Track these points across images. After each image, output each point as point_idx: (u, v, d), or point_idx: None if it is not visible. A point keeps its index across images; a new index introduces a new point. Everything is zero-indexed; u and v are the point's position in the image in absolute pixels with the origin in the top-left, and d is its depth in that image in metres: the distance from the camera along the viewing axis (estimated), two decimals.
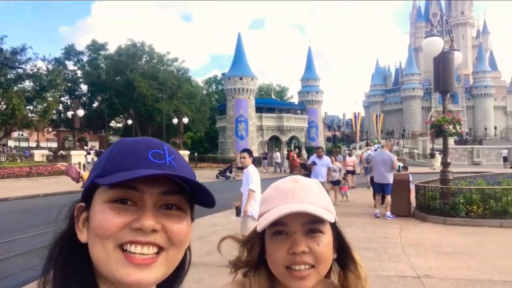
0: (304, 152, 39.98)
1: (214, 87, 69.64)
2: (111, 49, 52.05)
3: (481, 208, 9.83)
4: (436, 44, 8.94)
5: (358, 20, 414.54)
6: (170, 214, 0.66)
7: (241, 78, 41.73)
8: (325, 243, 0.91)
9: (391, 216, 10.17)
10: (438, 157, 27.81)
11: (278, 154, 34.62)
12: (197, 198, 0.69)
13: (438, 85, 9.87)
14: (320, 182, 9.53)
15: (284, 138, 44.77)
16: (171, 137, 38.38)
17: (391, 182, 10.18)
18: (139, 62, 51.22)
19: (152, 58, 52.25)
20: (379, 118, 69.31)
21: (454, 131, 9.58)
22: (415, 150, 49.73)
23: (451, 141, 46.59)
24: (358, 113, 68.92)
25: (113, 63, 48.88)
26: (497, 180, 13.35)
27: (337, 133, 47.40)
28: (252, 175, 6.15)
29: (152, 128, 51.14)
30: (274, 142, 46.48)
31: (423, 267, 6.09)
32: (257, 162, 31.38)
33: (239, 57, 42.73)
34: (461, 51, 10.43)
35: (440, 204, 10.33)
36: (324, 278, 0.95)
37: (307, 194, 0.92)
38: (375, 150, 32.27)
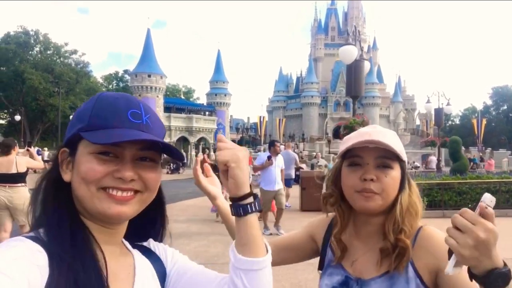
0: (212, 153, 40.04)
1: (115, 84, 65.99)
2: None
3: None
4: (351, 52, 9.78)
5: (265, 27, 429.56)
6: (145, 165, 0.79)
7: (149, 76, 40.21)
8: (392, 176, 1.07)
9: (288, 205, 11.13)
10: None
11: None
12: (168, 153, 0.82)
13: (350, 90, 10.79)
14: (276, 191, 8.67)
15: (193, 139, 44.29)
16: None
17: (293, 177, 12.00)
18: (31, 52, 46.02)
19: (47, 48, 47.29)
20: (281, 123, 72.61)
21: None
22: (313, 153, 53.23)
23: None
24: (263, 117, 71.26)
25: None
26: None
27: (244, 136, 48.37)
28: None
29: (43, 125, 46.45)
30: (182, 143, 45.73)
31: None
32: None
33: (147, 54, 41.11)
34: None
35: None
36: (389, 211, 1.09)
37: (383, 136, 1.07)
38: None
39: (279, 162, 8.41)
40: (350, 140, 1.10)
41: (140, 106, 0.80)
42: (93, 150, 0.75)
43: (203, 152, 32.95)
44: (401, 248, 1.04)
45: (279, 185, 8.25)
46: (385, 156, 1.06)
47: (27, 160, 6.07)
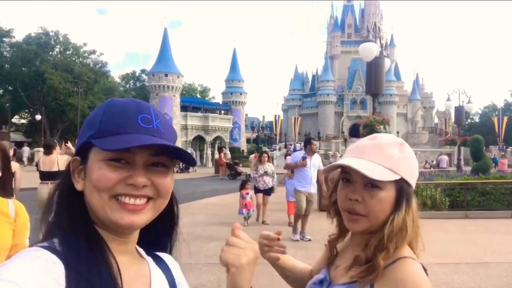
0: (228, 152, 40.16)
1: (132, 83, 66.78)
2: (19, 37, 46.91)
3: None
4: (371, 49, 9.62)
5: (281, 25, 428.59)
6: (158, 171, 0.77)
7: (166, 75, 40.51)
8: (379, 197, 0.99)
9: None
10: None
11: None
12: (180, 158, 0.81)
13: (370, 88, 10.62)
14: (310, 194, 8.27)
15: (209, 138, 44.49)
16: None
17: None
18: (51, 53, 46.77)
19: (66, 49, 48.02)
20: (297, 121, 72.37)
21: (384, 131, 10.41)
22: (329, 152, 52.96)
23: None
24: (278, 116, 71.20)
25: (20, 52, 43.89)
26: None
27: (260, 134, 48.35)
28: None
29: (63, 124, 47.22)
30: (198, 141, 45.99)
31: None
32: None
33: (164, 53, 41.43)
34: None
35: None
36: (381, 230, 1.00)
37: (373, 153, 1.01)
38: (294, 150, 34.37)
39: (315, 161, 7.84)
40: (346, 154, 1.08)
41: (150, 111, 0.79)
42: (104, 157, 0.74)
43: (220, 151, 33.08)
44: (372, 266, 0.97)
45: (314, 188, 7.91)
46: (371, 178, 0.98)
47: (67, 158, 6.57)
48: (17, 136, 51.04)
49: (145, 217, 0.77)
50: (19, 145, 38.04)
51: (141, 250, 0.88)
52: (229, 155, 36.52)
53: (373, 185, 0.99)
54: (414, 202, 1.04)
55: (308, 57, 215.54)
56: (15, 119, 52.71)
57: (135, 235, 0.84)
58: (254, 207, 9.50)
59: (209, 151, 44.42)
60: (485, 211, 10.61)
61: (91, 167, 0.76)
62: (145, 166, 0.76)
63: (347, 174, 1.03)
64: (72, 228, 0.74)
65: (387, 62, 10.55)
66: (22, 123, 53.92)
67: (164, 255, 0.93)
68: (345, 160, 1.02)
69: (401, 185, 1.01)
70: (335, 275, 1.11)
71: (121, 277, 0.75)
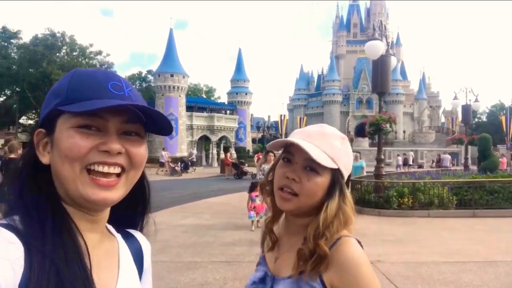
0: (233, 152, 40.14)
1: (138, 84, 67.03)
2: (26, 38, 47.28)
3: (411, 200, 10.78)
4: (377, 47, 9.55)
5: (286, 25, 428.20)
6: (131, 139, 0.73)
7: (172, 75, 40.54)
8: (315, 181, 1.03)
9: None
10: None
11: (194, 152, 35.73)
12: (152, 127, 0.75)
13: (376, 87, 10.55)
14: None
15: (214, 138, 44.48)
16: None
17: None
18: (58, 54, 47.11)
19: (73, 50, 48.31)
20: (302, 121, 72.14)
21: (391, 129, 10.35)
22: None
23: (366, 143, 50.09)
24: (284, 116, 71.05)
25: (27, 53, 44.22)
26: (416, 176, 14.71)
27: (266, 134, 48.30)
28: None
29: None
30: (204, 141, 46.01)
31: (373, 254, 6.33)
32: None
33: (170, 54, 41.45)
34: None
35: (375, 197, 11.11)
36: (315, 215, 1.04)
37: (318, 139, 1.05)
38: None
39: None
40: (291, 136, 1.10)
41: (121, 79, 0.75)
42: (74, 124, 0.69)
43: (226, 151, 33.07)
44: (319, 256, 0.99)
45: None
46: (314, 160, 1.01)
47: None
48: (24, 137, 51.46)
49: (118, 193, 0.72)
50: (26, 145, 38.26)
51: (110, 227, 0.84)
52: (235, 155, 36.48)
53: (312, 168, 1.03)
54: (348, 192, 1.08)
55: (313, 56, 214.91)
56: (23, 120, 53.13)
57: (105, 213, 0.78)
58: (265, 210, 8.91)
59: (214, 151, 44.42)
60: (493, 210, 10.50)
61: (59, 136, 0.70)
62: (118, 133, 0.71)
63: (289, 155, 1.06)
64: (36, 204, 0.68)
65: (393, 60, 10.47)
66: (30, 124, 54.32)
67: (137, 233, 0.89)
68: (294, 139, 1.04)
69: (336, 175, 1.05)
70: (277, 267, 1.09)
71: (89, 257, 0.69)
